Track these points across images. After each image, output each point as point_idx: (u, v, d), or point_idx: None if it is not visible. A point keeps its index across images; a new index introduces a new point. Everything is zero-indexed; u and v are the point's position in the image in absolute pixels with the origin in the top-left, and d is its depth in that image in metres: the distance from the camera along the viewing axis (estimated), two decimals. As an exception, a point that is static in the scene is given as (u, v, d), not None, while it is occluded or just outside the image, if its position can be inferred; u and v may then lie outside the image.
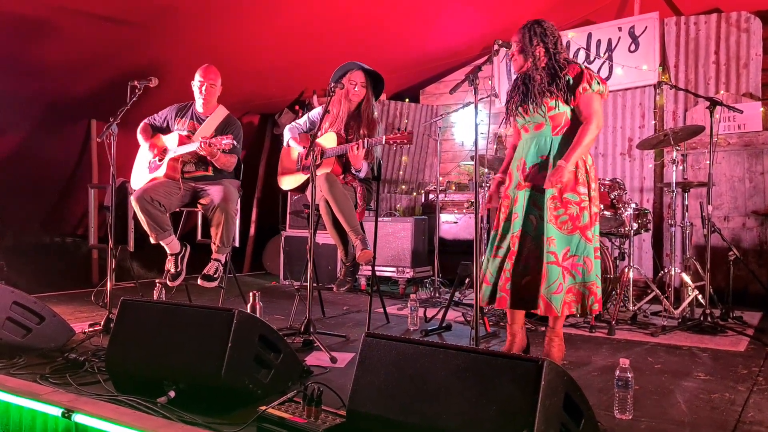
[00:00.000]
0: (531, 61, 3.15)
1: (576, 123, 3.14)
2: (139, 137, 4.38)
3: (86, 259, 6.65)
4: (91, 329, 3.82)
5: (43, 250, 6.83)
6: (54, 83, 5.35)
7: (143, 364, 2.59)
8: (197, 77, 4.28)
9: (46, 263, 6.45)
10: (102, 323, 3.80)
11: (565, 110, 3.13)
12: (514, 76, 3.38)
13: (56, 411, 2.33)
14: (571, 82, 3.10)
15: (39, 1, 4.32)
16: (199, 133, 4.21)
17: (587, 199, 3.11)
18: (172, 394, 2.42)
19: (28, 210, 6.34)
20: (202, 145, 3.99)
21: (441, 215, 6.52)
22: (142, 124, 4.43)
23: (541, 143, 3.17)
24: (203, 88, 4.26)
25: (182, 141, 4.18)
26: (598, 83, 3.10)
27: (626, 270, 4.42)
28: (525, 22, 3.23)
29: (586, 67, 3.15)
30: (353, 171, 4.04)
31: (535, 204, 3.14)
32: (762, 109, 5.47)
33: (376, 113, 4.18)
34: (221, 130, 4.26)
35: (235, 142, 4.06)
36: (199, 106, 4.33)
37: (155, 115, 4.47)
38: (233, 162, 4.29)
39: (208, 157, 4.10)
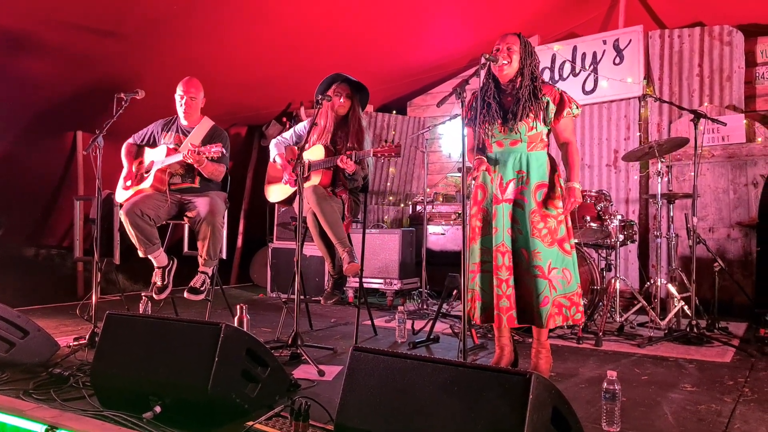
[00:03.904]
0: (521, 77, 3.16)
1: (548, 140, 3.27)
2: (123, 160, 4.37)
3: (71, 271, 6.60)
4: (76, 343, 3.79)
5: (27, 263, 6.75)
6: (39, 95, 5.32)
7: (129, 378, 2.56)
8: (178, 90, 4.29)
9: (30, 276, 6.39)
10: (87, 337, 3.77)
11: (542, 130, 3.20)
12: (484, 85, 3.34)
13: (40, 428, 2.30)
14: (551, 104, 3.17)
15: (24, 13, 4.29)
16: (186, 144, 4.20)
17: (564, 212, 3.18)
18: (158, 409, 2.39)
19: (12, 222, 6.28)
20: (189, 153, 3.98)
21: (428, 227, 6.52)
22: (125, 146, 4.41)
23: (517, 158, 3.20)
24: (184, 100, 4.27)
25: (169, 153, 4.17)
26: (576, 107, 3.22)
27: (613, 281, 4.44)
28: (516, 30, 3.25)
29: (563, 91, 3.23)
30: (346, 175, 4.03)
31: (514, 218, 3.16)
32: (745, 121, 5.53)
33: (364, 123, 4.19)
34: (207, 140, 4.25)
35: (224, 150, 4.05)
36: (182, 118, 4.33)
37: (139, 132, 4.46)
38: (221, 171, 4.28)
39: (196, 165, 4.08)
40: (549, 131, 3.25)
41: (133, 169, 4.32)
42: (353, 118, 4.17)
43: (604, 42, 6.27)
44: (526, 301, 3.11)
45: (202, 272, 4.09)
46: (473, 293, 3.21)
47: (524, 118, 3.13)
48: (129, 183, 4.27)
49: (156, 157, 4.24)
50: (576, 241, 4.52)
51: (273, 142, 4.36)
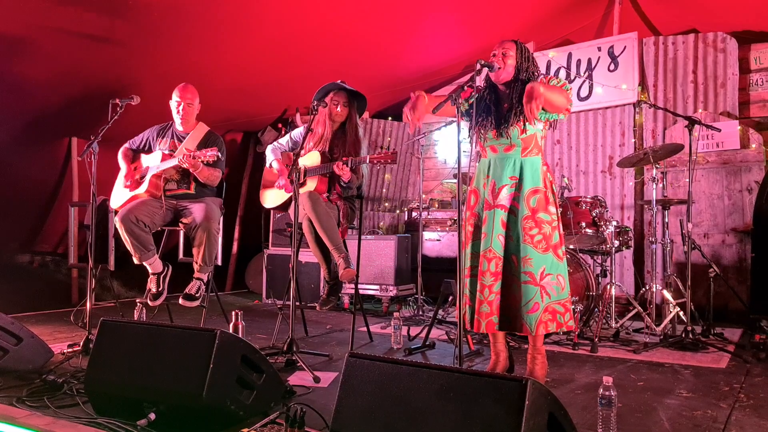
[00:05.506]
0: (517, 82, 3.16)
1: (543, 144, 3.25)
2: (120, 162, 4.36)
3: (66, 278, 6.57)
4: (70, 350, 3.77)
5: (21, 269, 6.73)
6: (34, 101, 5.31)
7: (123, 385, 2.55)
8: (175, 97, 4.28)
9: (24, 282, 6.36)
10: (81, 344, 3.75)
11: (535, 132, 3.19)
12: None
13: (33, 435, 2.29)
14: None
15: (19, 19, 4.29)
16: (181, 149, 4.20)
17: (557, 218, 3.19)
18: (152, 416, 2.38)
19: (6, 228, 6.26)
20: (184, 157, 3.97)
21: (424, 233, 6.52)
22: (122, 149, 4.41)
23: (511, 165, 3.19)
24: (181, 107, 4.26)
25: (165, 158, 4.16)
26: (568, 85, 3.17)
27: (608, 287, 4.44)
28: (512, 37, 3.25)
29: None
30: (342, 183, 4.03)
31: (505, 225, 3.15)
32: (739, 127, 5.55)
33: (361, 132, 4.19)
34: (203, 146, 4.24)
35: (220, 155, 4.04)
36: (178, 124, 4.33)
37: (135, 138, 4.45)
38: (217, 176, 4.27)
39: (191, 170, 4.07)
40: (543, 134, 3.23)
41: (131, 171, 4.31)
42: (350, 127, 4.18)
43: (599, 49, 6.29)
44: (512, 308, 3.10)
45: (198, 279, 4.07)
46: (465, 298, 3.21)
47: (516, 122, 3.13)
48: (129, 183, 4.26)
49: (151, 162, 4.23)
50: (572, 247, 4.54)
51: (269, 147, 4.36)
